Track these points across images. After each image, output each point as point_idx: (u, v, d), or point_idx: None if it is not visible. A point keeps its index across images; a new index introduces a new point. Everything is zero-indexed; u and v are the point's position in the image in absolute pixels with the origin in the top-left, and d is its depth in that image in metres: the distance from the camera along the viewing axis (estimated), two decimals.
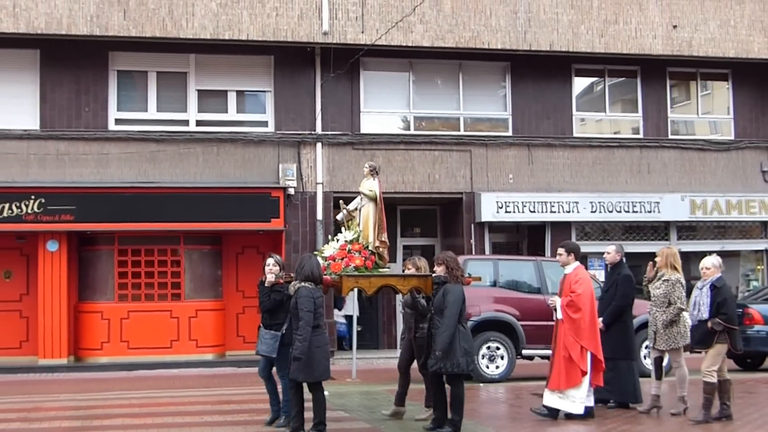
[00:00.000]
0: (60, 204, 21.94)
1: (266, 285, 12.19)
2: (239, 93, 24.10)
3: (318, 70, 23.81)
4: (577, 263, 13.23)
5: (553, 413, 12.86)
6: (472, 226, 24.40)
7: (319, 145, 23.72)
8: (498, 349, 18.34)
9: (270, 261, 12.34)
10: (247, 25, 22.55)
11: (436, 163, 24.36)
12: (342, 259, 12.07)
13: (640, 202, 24.95)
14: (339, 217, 13.35)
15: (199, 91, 23.64)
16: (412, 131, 24.77)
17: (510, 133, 25.05)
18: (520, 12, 23.91)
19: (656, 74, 26.00)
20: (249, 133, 23.53)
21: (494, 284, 19.32)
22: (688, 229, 25.90)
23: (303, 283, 11.10)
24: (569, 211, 24.69)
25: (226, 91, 23.90)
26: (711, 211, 25.43)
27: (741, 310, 19.72)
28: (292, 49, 23.49)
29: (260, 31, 22.64)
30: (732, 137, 26.36)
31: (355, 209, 13.06)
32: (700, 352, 13.19)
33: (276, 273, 12.22)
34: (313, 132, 23.77)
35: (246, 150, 23.33)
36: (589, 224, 25.29)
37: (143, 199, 22.35)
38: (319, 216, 23.49)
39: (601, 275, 24.49)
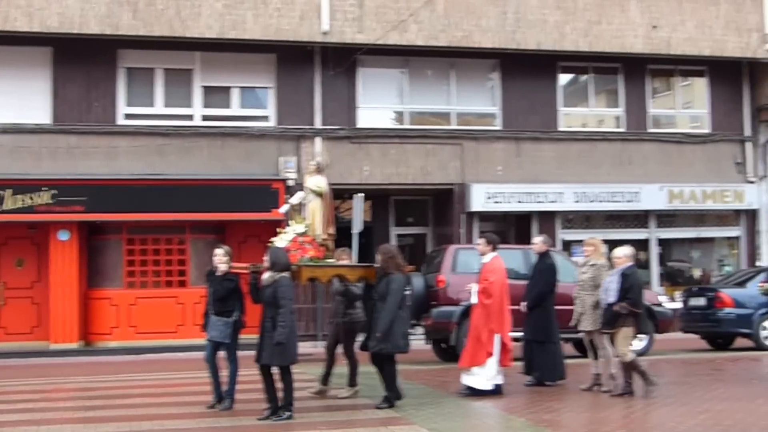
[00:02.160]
0: (71, 195, 21.54)
1: (218, 274, 12.07)
2: (242, 89, 23.66)
3: (318, 67, 23.44)
4: (495, 254, 13.32)
5: (475, 391, 12.94)
6: (463, 215, 24.04)
7: (318, 139, 23.30)
8: None
9: (219, 252, 12.27)
10: (250, 25, 22.12)
11: (428, 156, 23.94)
12: (296, 250, 12.05)
13: (621, 193, 24.67)
14: (282, 210, 13.56)
15: (204, 87, 23.22)
16: (406, 125, 24.41)
17: (499, 127, 24.71)
18: (509, 13, 23.55)
19: (637, 71, 25.68)
20: (251, 128, 23.13)
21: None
22: (666, 218, 25.60)
23: (283, 273, 11.18)
24: (554, 201, 24.38)
25: (230, 88, 23.47)
26: (688, 201, 25.20)
27: (712, 294, 19.80)
28: (294, 48, 23.04)
29: (263, 31, 22.24)
30: (708, 131, 26.04)
31: (299, 203, 13.19)
32: (608, 333, 13.23)
33: (226, 263, 12.15)
34: (312, 126, 23.37)
35: (248, 143, 22.92)
36: (573, 213, 24.95)
37: (151, 191, 21.93)
38: None
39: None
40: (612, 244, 24.62)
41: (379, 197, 25.14)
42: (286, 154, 23.04)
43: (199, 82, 23.09)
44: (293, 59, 23.30)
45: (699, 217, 26.05)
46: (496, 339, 12.86)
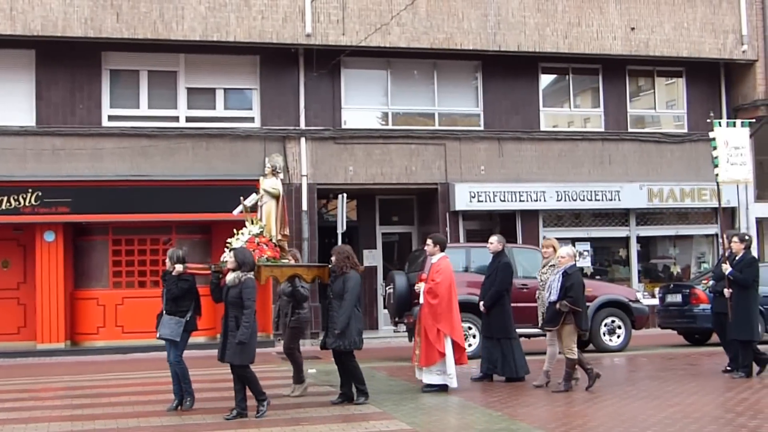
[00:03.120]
0: (56, 197, 21.66)
1: (174, 275, 12.22)
2: (227, 91, 23.82)
3: (301, 69, 23.63)
4: (443, 254, 13.64)
5: (442, 387, 13.37)
6: (447, 214, 24.32)
7: (303, 139, 23.52)
8: (470, 329, 18.03)
9: (168, 254, 12.53)
10: (234, 28, 22.29)
11: (412, 156, 24.20)
12: (253, 250, 12.20)
13: (602, 191, 24.97)
14: (236, 212, 13.54)
15: (188, 88, 23.34)
16: (390, 126, 24.62)
17: (481, 128, 24.98)
18: (490, 15, 23.80)
19: (616, 72, 26.00)
20: (236, 129, 23.30)
21: (466, 269, 19.16)
22: (646, 216, 25.88)
23: (249, 274, 11.40)
24: (537, 200, 24.63)
25: (214, 89, 23.62)
26: (666, 199, 25.49)
27: (688, 291, 20.08)
28: (277, 50, 23.23)
29: (247, 33, 22.39)
30: (686, 130, 26.37)
31: (254, 204, 13.36)
32: (551, 330, 13.67)
33: (170, 265, 12.35)
34: (297, 127, 23.57)
35: (234, 144, 23.09)
36: (555, 212, 25.24)
37: (136, 192, 22.07)
38: (304, 207, 23.31)
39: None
40: (594, 242, 25.39)
41: (364, 197, 25.44)
42: (272, 155, 23.28)
43: (184, 84, 23.23)
44: (277, 61, 23.50)
45: (678, 216, 26.35)
46: (448, 339, 13.19)
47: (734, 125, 15.69)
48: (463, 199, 24.04)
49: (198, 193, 22.25)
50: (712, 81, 26.77)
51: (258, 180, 20.94)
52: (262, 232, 12.72)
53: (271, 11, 22.50)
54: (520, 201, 24.45)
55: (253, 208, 13.25)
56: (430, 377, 13.33)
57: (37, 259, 21.86)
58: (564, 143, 25.24)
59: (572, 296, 13.07)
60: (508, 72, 24.89)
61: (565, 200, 24.73)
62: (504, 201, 24.34)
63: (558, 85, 26.43)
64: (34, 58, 22.39)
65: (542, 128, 25.34)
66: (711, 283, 15.40)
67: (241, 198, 13.38)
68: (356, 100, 24.34)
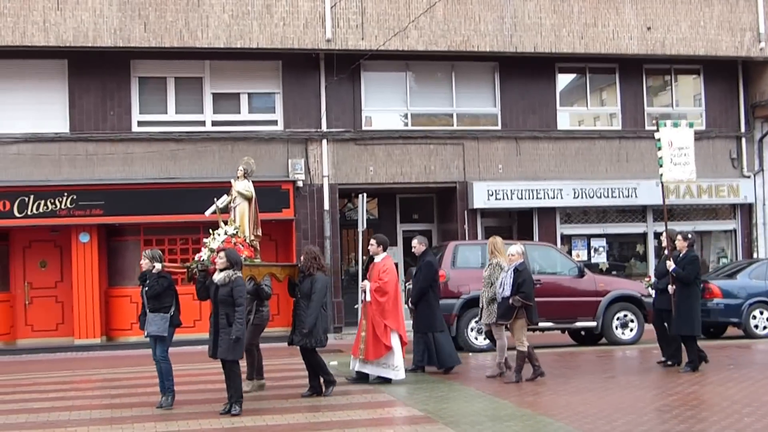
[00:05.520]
0: (90, 200, 22.87)
1: (154, 272, 12.66)
2: (251, 95, 24.85)
3: (322, 73, 24.63)
4: (386, 254, 14.68)
5: (363, 377, 14.46)
6: (466, 212, 25.24)
7: (324, 141, 24.54)
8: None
9: (143, 255, 13.07)
10: (257, 35, 23.30)
11: (431, 156, 25.17)
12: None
13: (619, 188, 25.74)
14: (208, 212, 14.31)
15: (214, 94, 24.41)
16: (409, 127, 25.57)
17: (499, 127, 25.86)
18: (506, 17, 24.66)
19: (633, 71, 26.76)
20: (260, 132, 24.34)
21: (482, 266, 20.11)
22: (662, 212, 26.38)
23: (239, 273, 12.06)
24: (554, 198, 25.49)
25: (238, 94, 24.67)
26: (683, 196, 26.19)
27: (702, 286, 20.63)
28: (299, 55, 24.26)
29: (269, 40, 23.39)
30: (703, 128, 26.96)
31: (226, 206, 14.09)
32: (504, 325, 14.74)
33: (148, 265, 12.80)
34: (318, 130, 24.58)
35: (258, 147, 24.02)
36: (572, 209, 26.10)
37: (165, 194, 23.18)
38: (326, 206, 24.36)
39: (584, 255, 25.57)
40: (610, 238, 26.21)
41: (384, 195, 26.47)
42: (295, 157, 24.28)
43: (209, 89, 24.30)
44: (299, 65, 24.54)
45: (695, 212, 27.11)
46: (394, 334, 14.19)
47: (679, 126, 16.32)
48: (481, 197, 24.99)
49: (224, 194, 23.20)
50: (730, 79, 27.47)
51: (281, 181, 22.09)
52: (237, 232, 13.48)
53: (293, 18, 23.53)
54: (538, 198, 25.33)
55: (225, 210, 14.04)
56: (377, 370, 14.30)
57: (73, 259, 23.12)
58: (581, 142, 26.12)
59: (524, 291, 14.20)
60: (524, 72, 25.78)
61: (582, 197, 25.58)
62: (521, 199, 25.24)
63: (574, 84, 27.29)
64: (67, 67, 23.55)
65: (559, 127, 26.21)
66: (654, 280, 16.14)
67: (215, 199, 14.19)
68: (376, 103, 25.37)
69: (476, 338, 19.26)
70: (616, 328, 20.13)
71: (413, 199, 27.13)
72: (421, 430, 10.63)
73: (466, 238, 24.42)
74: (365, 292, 14.34)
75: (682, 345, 15.43)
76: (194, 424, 11.39)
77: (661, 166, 16.20)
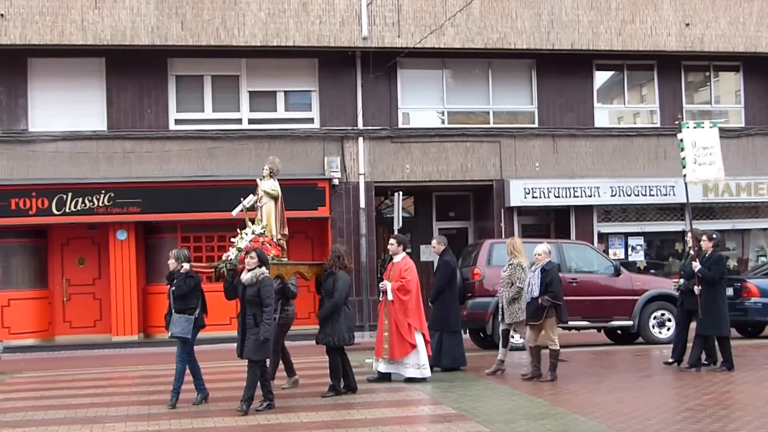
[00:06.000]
0: (127, 197, 23.23)
1: (182, 272, 12.82)
2: (287, 93, 25.10)
3: (359, 70, 24.82)
4: (405, 253, 14.78)
5: (385, 377, 14.54)
6: (502, 210, 25.32)
7: (360, 139, 24.73)
8: None
9: (171, 254, 13.25)
10: (293, 33, 23.53)
11: (468, 154, 25.28)
12: None
13: (656, 186, 25.69)
14: (234, 212, 14.52)
15: (250, 92, 24.65)
16: (445, 125, 25.68)
17: (536, 125, 25.92)
18: (543, 14, 24.74)
19: (671, 68, 26.69)
20: (296, 130, 24.55)
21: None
22: (701, 210, 26.42)
23: (266, 273, 12.13)
24: (591, 196, 25.49)
25: (275, 92, 24.91)
26: (722, 194, 26.09)
27: (739, 285, 20.63)
28: (335, 53, 24.45)
29: (305, 38, 23.61)
30: (743, 125, 26.95)
31: (252, 205, 14.22)
32: (534, 325, 14.66)
33: (175, 264, 13.01)
34: (355, 127, 24.77)
35: (294, 145, 24.30)
36: (609, 207, 26.08)
37: (202, 192, 23.42)
38: (362, 204, 24.54)
39: (621, 253, 25.56)
40: (648, 236, 26.17)
41: (421, 193, 26.59)
42: (331, 155, 24.48)
43: (246, 88, 24.56)
44: (335, 63, 24.74)
45: (733, 210, 26.98)
46: (418, 333, 14.33)
47: (702, 126, 16.41)
48: (518, 195, 25.07)
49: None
50: None
51: (317, 179, 22.21)
52: (264, 231, 13.63)
53: (329, 16, 23.72)
54: (575, 197, 25.36)
55: (251, 209, 14.17)
56: (402, 369, 14.42)
57: (111, 256, 23.49)
58: (618, 139, 26.10)
59: (553, 291, 14.29)
60: (562, 69, 25.81)
61: (620, 195, 25.55)
62: (558, 197, 25.28)
63: (612, 81, 27.27)
64: (105, 66, 23.90)
65: (596, 125, 26.19)
66: (681, 281, 16.01)
67: (241, 198, 14.34)
68: (412, 100, 25.49)
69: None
70: (653, 327, 20.08)
71: (450, 197, 27.21)
72: (454, 428, 10.72)
73: (503, 236, 24.43)
74: (386, 292, 14.44)
75: (716, 344, 15.42)
76: (230, 420, 11.59)
77: (684, 166, 16.27)
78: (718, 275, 15.12)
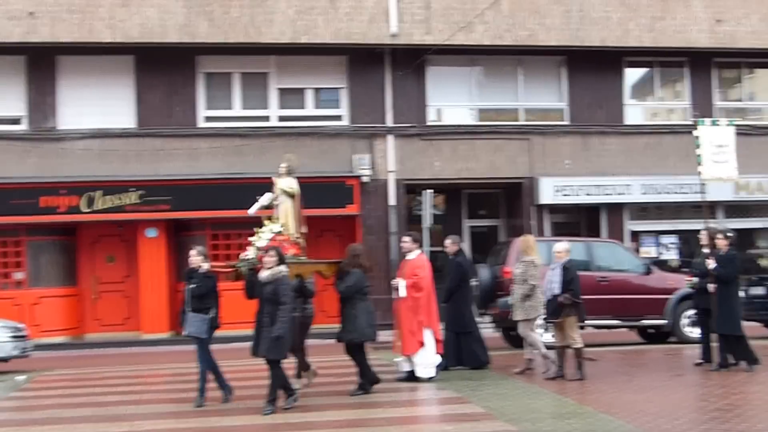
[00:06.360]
0: (157, 195, 23.44)
1: (201, 272, 12.79)
2: (316, 90, 25.23)
3: (388, 68, 24.92)
4: (419, 251, 14.88)
5: (410, 376, 14.48)
6: (533, 208, 25.35)
7: (389, 136, 24.82)
8: None
9: (193, 252, 13.08)
10: (322, 30, 23.67)
11: (497, 151, 25.27)
12: None
13: (688, 184, 25.18)
14: (251, 211, 14.35)
15: (279, 89, 24.80)
16: (475, 122, 25.72)
17: (566, 122, 25.91)
18: (573, 11, 24.73)
19: (703, 65, 26.56)
20: (325, 127, 24.68)
21: (549, 263, 20.21)
22: (734, 208, 26.37)
23: (284, 272, 12.09)
24: (622, 194, 25.49)
25: (304, 89, 25.03)
26: (754, 192, 25.99)
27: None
28: (364, 50, 24.52)
29: (334, 35, 23.75)
30: None
31: (269, 204, 14.16)
32: (553, 323, 14.80)
33: (202, 261, 12.91)
34: (384, 125, 24.85)
35: (323, 142, 24.44)
36: (640, 205, 26.03)
37: (231, 189, 23.41)
38: (391, 202, 24.64)
39: (653, 252, 25.48)
40: (680, 234, 26.03)
41: (451, 191, 26.61)
42: (360, 152, 24.57)
43: (275, 85, 24.71)
44: (364, 60, 24.82)
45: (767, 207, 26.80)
46: (427, 331, 14.36)
47: (718, 124, 16.34)
48: (548, 193, 25.10)
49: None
50: None
51: (346, 176, 22.27)
52: (282, 230, 13.62)
53: (357, 13, 23.84)
54: (605, 195, 25.35)
55: (268, 207, 14.16)
56: (423, 371, 14.40)
57: (140, 254, 23.74)
58: (649, 137, 26.01)
59: (573, 289, 14.36)
60: (592, 67, 25.76)
61: (651, 193, 25.53)
62: (589, 195, 25.29)
63: (643, 78, 27.16)
64: (134, 63, 24.13)
65: (627, 122, 26.14)
66: (695, 279, 15.98)
67: (257, 197, 14.35)
68: (442, 98, 25.53)
69: (542, 335, 19.31)
70: (685, 326, 20.02)
71: (480, 195, 27.24)
72: (480, 426, 10.77)
73: (533, 234, 24.41)
74: (398, 290, 14.48)
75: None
76: (257, 418, 11.70)
77: (699, 164, 16.20)
78: (733, 274, 15.06)
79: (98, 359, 20.36)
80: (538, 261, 15.44)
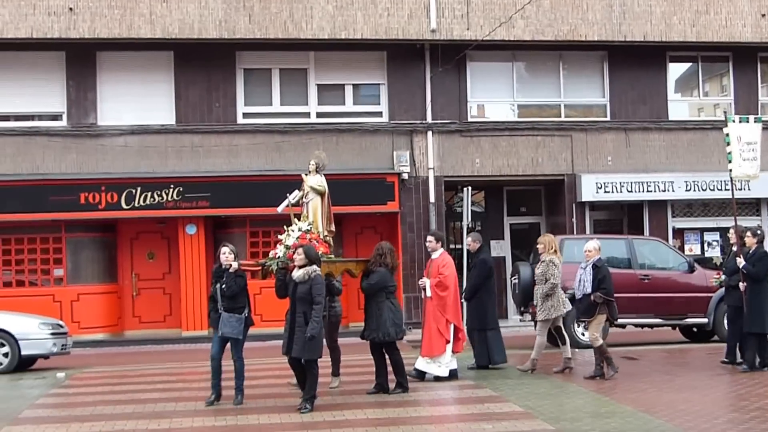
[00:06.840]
0: (196, 191, 23.65)
1: (231, 271, 12.74)
2: (355, 86, 25.37)
3: (427, 63, 24.94)
4: (443, 249, 14.92)
5: (420, 375, 14.53)
6: (574, 205, 25.34)
7: (429, 133, 24.87)
8: None
9: (225, 250, 12.95)
10: (361, 25, 23.77)
11: (538, 148, 25.30)
12: None
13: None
14: (280, 208, 14.42)
15: (318, 85, 24.93)
16: (515, 118, 25.75)
17: (608, 118, 25.87)
18: (615, 5, 24.69)
19: (747, 60, 26.42)
20: (365, 124, 24.78)
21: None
22: None
23: (318, 271, 12.16)
24: (665, 191, 25.40)
25: (343, 85, 25.18)
26: None
27: None
28: (403, 46, 24.63)
29: (373, 30, 23.84)
30: None
31: (298, 201, 14.22)
32: (585, 321, 15.11)
33: (234, 260, 12.86)
34: (424, 121, 24.91)
35: (362, 139, 24.58)
36: (684, 202, 25.94)
37: (270, 186, 23.09)
38: (432, 198, 24.70)
39: (697, 249, 25.39)
40: (723, 231, 25.88)
41: (491, 188, 26.69)
42: (400, 149, 24.67)
43: (314, 81, 24.84)
44: (403, 56, 24.91)
45: None
46: (451, 328, 14.47)
47: (747, 121, 16.27)
48: (589, 189, 25.05)
49: (329, 187, 23.38)
50: None
51: (386, 173, 22.35)
52: (310, 228, 13.67)
53: (397, 8, 23.92)
54: (648, 191, 25.28)
55: (297, 205, 14.24)
56: (429, 366, 14.52)
57: (181, 250, 23.95)
58: (693, 132, 25.90)
59: (605, 287, 14.47)
60: (634, 62, 25.67)
61: (695, 190, 25.41)
62: (631, 192, 25.22)
63: (686, 73, 27.03)
64: (173, 59, 24.35)
65: (670, 118, 26.05)
66: (723, 277, 15.96)
67: (287, 194, 14.38)
68: (482, 93, 25.61)
69: (583, 334, 19.34)
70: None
71: (521, 192, 27.29)
72: (519, 425, 10.87)
73: (575, 231, 24.49)
74: (425, 289, 14.58)
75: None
76: (295, 417, 11.84)
77: (730, 161, 16.18)
78: (763, 272, 15.00)
79: (138, 356, 20.64)
80: (557, 260, 15.54)
